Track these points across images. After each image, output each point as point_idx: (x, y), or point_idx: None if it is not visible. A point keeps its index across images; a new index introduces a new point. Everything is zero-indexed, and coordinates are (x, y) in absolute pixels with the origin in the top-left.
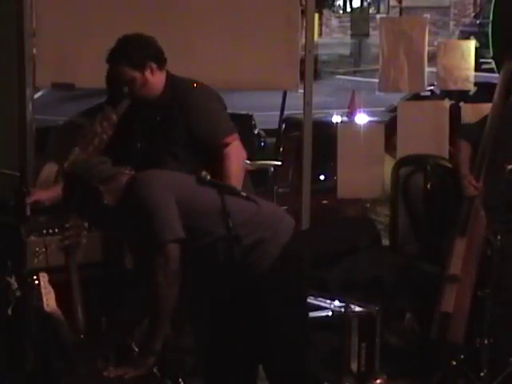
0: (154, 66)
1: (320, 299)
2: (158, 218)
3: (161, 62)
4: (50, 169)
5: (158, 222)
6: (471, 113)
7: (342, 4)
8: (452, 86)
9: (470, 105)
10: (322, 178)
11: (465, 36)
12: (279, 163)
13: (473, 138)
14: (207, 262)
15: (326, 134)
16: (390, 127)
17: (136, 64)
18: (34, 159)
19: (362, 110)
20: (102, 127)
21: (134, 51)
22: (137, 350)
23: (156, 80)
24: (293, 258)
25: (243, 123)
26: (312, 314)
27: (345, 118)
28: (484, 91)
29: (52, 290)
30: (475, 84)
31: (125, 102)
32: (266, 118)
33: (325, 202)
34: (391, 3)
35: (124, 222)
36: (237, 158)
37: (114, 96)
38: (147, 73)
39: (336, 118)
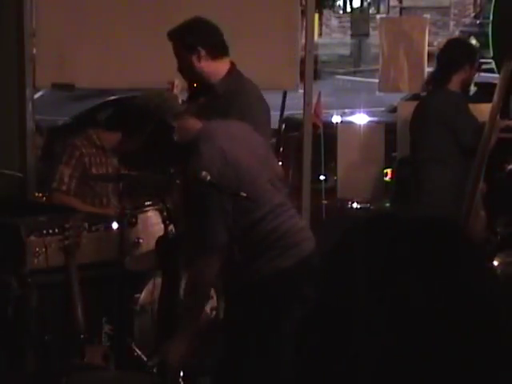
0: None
1: None
2: (209, 219)
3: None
4: None
5: (209, 222)
6: None
7: (341, 4)
8: None
9: (470, 105)
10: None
11: (465, 36)
12: (279, 163)
13: None
14: None
15: (326, 134)
16: None
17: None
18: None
19: (323, 113)
20: (82, 143)
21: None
22: (137, 350)
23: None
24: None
25: None
26: None
27: (345, 118)
28: (484, 91)
29: None
30: (475, 84)
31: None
32: None
33: (325, 202)
34: (391, 3)
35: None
36: None
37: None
38: (194, 57)
39: (336, 118)
